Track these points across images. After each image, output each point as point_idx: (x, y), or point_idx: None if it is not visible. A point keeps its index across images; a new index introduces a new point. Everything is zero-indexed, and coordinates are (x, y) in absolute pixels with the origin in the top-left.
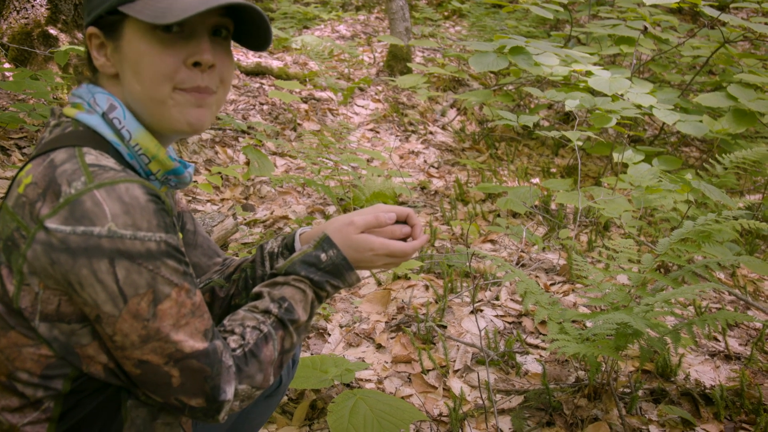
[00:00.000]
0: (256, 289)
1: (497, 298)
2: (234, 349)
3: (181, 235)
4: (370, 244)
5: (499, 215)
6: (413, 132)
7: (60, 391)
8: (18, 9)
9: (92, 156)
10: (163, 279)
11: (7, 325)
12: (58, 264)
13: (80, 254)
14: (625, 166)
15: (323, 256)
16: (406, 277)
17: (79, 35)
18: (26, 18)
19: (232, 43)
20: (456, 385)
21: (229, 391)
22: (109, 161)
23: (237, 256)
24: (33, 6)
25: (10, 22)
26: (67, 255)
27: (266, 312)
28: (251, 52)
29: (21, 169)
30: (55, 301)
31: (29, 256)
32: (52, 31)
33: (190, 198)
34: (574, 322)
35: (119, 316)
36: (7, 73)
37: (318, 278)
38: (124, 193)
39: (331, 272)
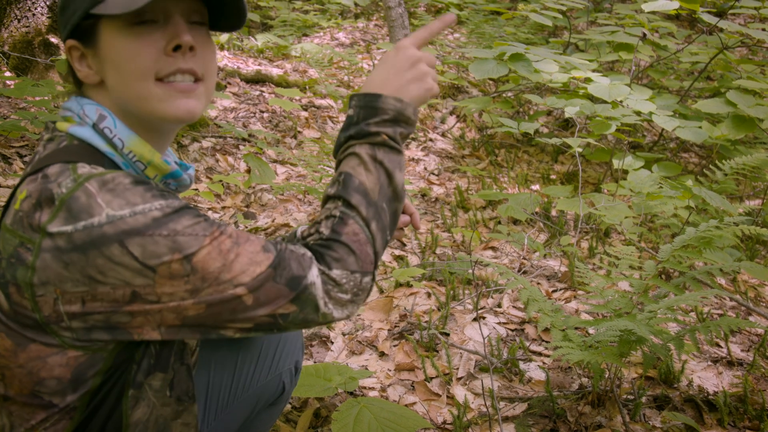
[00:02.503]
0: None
1: (499, 306)
2: (312, 242)
3: None
4: (412, 56)
5: (500, 222)
6: (413, 139)
7: (90, 389)
8: (19, 17)
9: (86, 169)
10: (185, 237)
11: (25, 339)
12: (72, 264)
13: (89, 248)
14: (625, 172)
15: (351, 111)
16: (408, 285)
17: None
18: (27, 26)
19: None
20: (460, 392)
21: (311, 275)
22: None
23: None
24: (34, 15)
25: (11, 31)
26: (78, 253)
27: (330, 198)
28: (251, 60)
29: (17, 187)
30: (77, 303)
31: (39, 266)
32: (53, 40)
33: (193, 206)
34: (577, 329)
35: (155, 283)
36: (8, 81)
37: (356, 130)
38: (110, 181)
39: (365, 116)
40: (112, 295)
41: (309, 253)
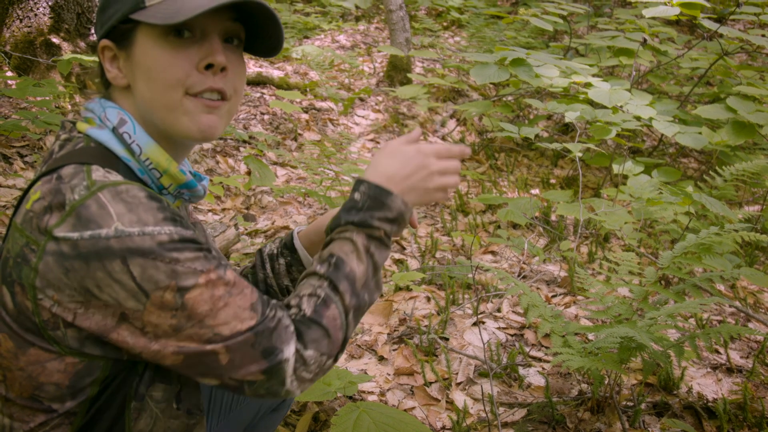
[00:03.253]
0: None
1: (499, 310)
2: (293, 315)
3: None
4: (419, 148)
5: (499, 226)
6: None
7: (88, 396)
8: (21, 18)
9: (100, 173)
10: (185, 269)
11: (25, 342)
12: (72, 271)
13: (92, 258)
14: (625, 177)
15: (357, 195)
16: (408, 289)
17: (82, 44)
18: (29, 27)
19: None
20: (459, 397)
21: (287, 351)
22: (117, 177)
23: (239, 266)
24: (36, 15)
25: (13, 31)
26: (80, 261)
27: (317, 275)
28: (252, 62)
29: (30, 185)
30: (70, 314)
31: (41, 268)
32: (55, 40)
33: (192, 208)
34: (576, 334)
35: (144, 309)
36: (9, 81)
37: (359, 218)
38: (125, 193)
39: (371, 207)
40: (102, 313)
41: (292, 328)
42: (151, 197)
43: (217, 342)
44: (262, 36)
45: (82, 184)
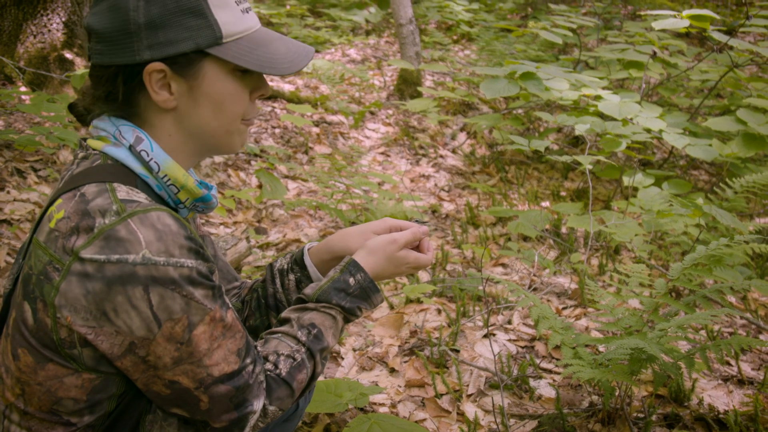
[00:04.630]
0: (284, 314)
1: (510, 322)
2: (268, 371)
3: None
4: (407, 258)
5: (510, 239)
6: (424, 155)
7: (106, 411)
8: (35, 33)
9: (123, 192)
10: (197, 304)
11: (44, 358)
12: (92, 294)
13: (115, 282)
14: (636, 189)
15: (351, 280)
16: (419, 301)
17: None
18: (43, 42)
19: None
20: (470, 409)
21: (257, 405)
22: (140, 196)
23: (250, 279)
24: (49, 30)
25: (27, 46)
26: (102, 283)
27: (297, 339)
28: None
29: (51, 203)
30: (80, 339)
31: (63, 287)
32: (68, 55)
33: (204, 221)
34: (587, 346)
35: (153, 339)
36: (23, 96)
37: (349, 305)
38: (156, 221)
39: (360, 296)
40: (111, 341)
41: (264, 384)
42: (180, 225)
43: (206, 384)
44: None
45: (113, 209)
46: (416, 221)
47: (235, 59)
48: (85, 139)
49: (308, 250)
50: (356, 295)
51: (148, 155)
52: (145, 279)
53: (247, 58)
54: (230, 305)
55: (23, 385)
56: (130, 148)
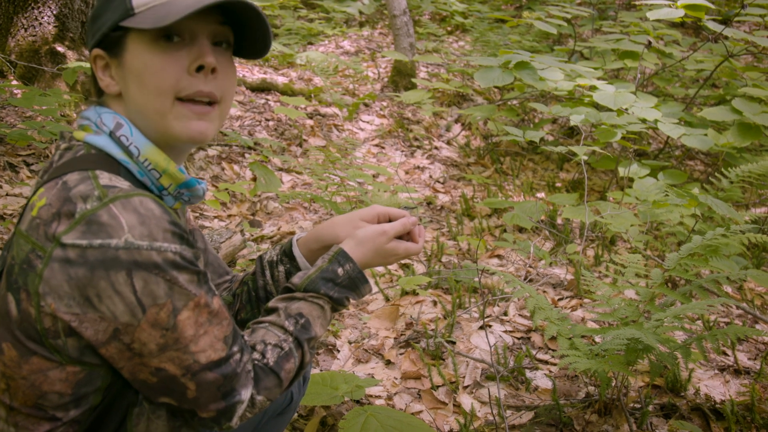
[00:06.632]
0: (271, 303)
1: (506, 314)
2: (256, 361)
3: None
4: (396, 250)
5: (505, 230)
6: (418, 147)
7: (92, 405)
8: (26, 26)
9: (105, 178)
10: (181, 289)
11: (28, 351)
12: (75, 279)
13: (98, 267)
14: (631, 180)
15: (340, 270)
16: (414, 293)
17: (87, 53)
18: (34, 35)
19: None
20: (466, 401)
21: (244, 394)
22: (123, 182)
23: (244, 271)
24: (40, 24)
25: (18, 40)
26: (85, 269)
27: (284, 328)
28: (256, 68)
29: (33, 193)
30: (65, 327)
31: (46, 274)
32: (60, 49)
33: (198, 214)
34: (583, 337)
35: (138, 325)
36: (15, 90)
37: (337, 295)
38: (139, 205)
39: (348, 286)
40: (95, 327)
41: (252, 373)
42: (164, 210)
43: (193, 371)
44: (250, 38)
45: (94, 194)
46: (405, 208)
47: (137, 24)
48: (70, 131)
49: (297, 240)
50: (344, 285)
51: (127, 140)
52: (128, 264)
53: (141, 18)
54: (216, 292)
55: (8, 379)
56: (111, 135)
